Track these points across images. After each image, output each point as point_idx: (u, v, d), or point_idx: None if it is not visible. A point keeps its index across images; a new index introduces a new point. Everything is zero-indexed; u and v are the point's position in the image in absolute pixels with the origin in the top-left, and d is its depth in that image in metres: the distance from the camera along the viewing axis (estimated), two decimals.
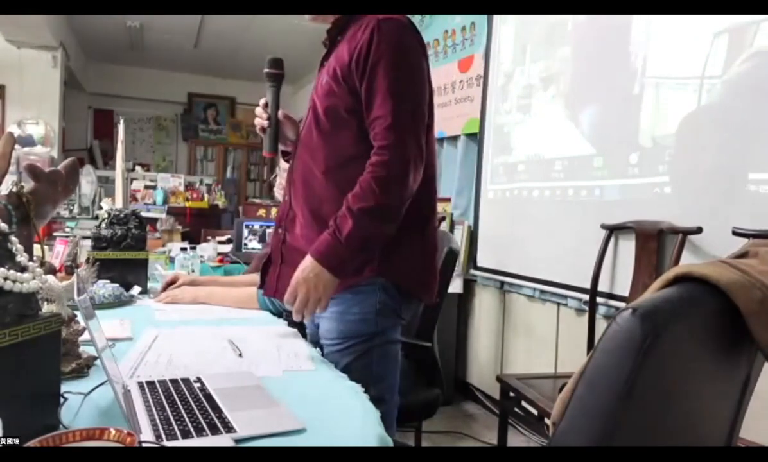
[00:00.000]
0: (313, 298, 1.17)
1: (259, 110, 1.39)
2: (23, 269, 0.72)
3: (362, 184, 1.15)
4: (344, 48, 1.23)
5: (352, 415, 0.90)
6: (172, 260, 2.54)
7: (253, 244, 3.51)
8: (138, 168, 6.14)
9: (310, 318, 1.37)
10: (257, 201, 6.43)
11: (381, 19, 1.18)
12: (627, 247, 2.19)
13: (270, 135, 1.39)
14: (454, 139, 3.65)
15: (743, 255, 0.71)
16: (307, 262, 1.17)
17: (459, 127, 3.54)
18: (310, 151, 1.28)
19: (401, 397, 1.35)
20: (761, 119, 1.77)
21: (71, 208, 4.00)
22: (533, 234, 2.79)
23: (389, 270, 1.24)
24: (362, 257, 1.19)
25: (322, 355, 1.27)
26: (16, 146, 1.22)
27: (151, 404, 0.86)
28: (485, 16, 3.30)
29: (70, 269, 1.93)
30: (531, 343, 2.88)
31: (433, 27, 3.85)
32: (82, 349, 1.04)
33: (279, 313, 1.69)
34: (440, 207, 3.37)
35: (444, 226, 3.29)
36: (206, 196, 5.80)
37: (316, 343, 1.36)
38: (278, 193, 3.36)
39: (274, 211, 4.38)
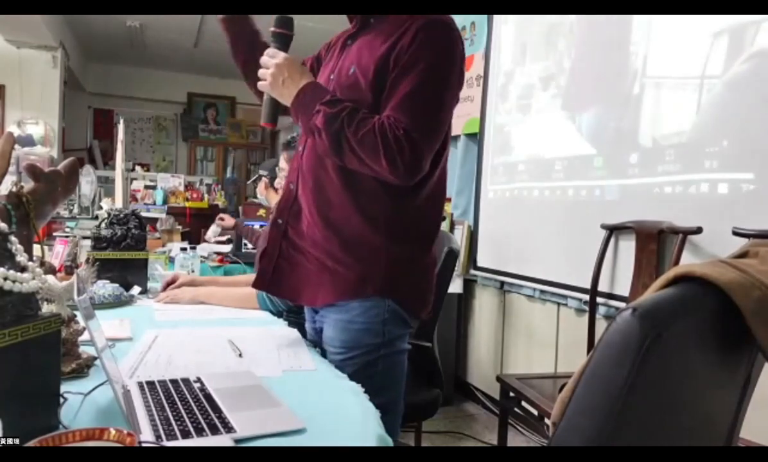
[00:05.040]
0: (274, 79, 1.16)
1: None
2: (23, 269, 0.72)
3: (372, 124, 1.08)
4: (379, 40, 1.14)
5: (352, 415, 0.90)
6: (171, 260, 2.54)
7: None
8: (138, 168, 6.14)
9: (312, 322, 1.35)
10: (257, 201, 6.43)
11: (428, 20, 1.11)
12: (627, 247, 2.19)
13: (269, 102, 1.23)
14: (455, 139, 3.64)
15: (743, 255, 0.71)
16: (297, 76, 1.15)
17: (459, 127, 3.54)
18: None
19: None
20: (761, 119, 1.77)
21: (71, 208, 4.00)
22: (533, 234, 2.79)
23: (395, 292, 1.19)
24: (308, 116, 1.12)
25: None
26: (16, 146, 1.22)
27: (151, 404, 0.86)
28: (485, 16, 3.30)
29: (69, 269, 1.93)
30: (531, 343, 2.88)
31: None
32: (82, 349, 1.04)
33: (279, 313, 1.69)
34: None
35: (444, 226, 3.29)
36: (206, 196, 5.80)
37: (315, 346, 1.34)
38: (261, 195, 3.37)
39: None
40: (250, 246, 3.40)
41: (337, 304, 1.20)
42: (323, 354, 1.27)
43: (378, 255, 1.17)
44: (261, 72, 1.19)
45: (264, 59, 1.18)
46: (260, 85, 1.20)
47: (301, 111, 1.14)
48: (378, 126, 1.07)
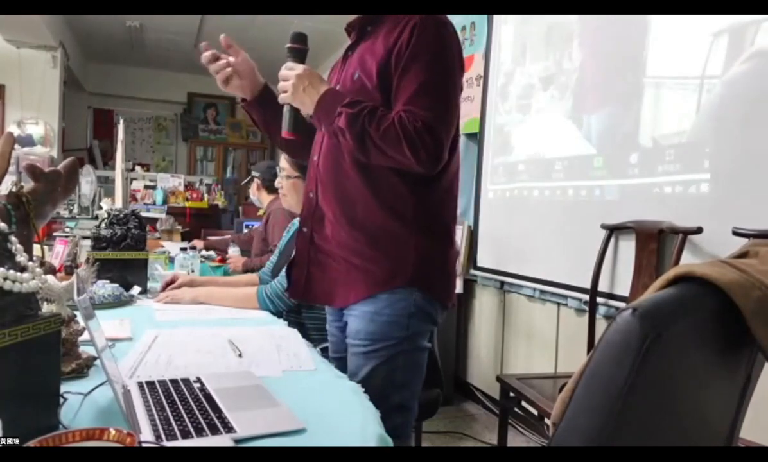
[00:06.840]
0: (295, 89, 1.20)
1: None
2: (23, 269, 0.72)
3: (392, 119, 1.13)
4: (380, 43, 1.21)
5: (352, 415, 0.90)
6: (171, 260, 2.54)
7: None
8: (138, 168, 6.14)
9: (338, 317, 1.36)
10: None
11: (421, 17, 1.18)
12: (627, 247, 2.19)
13: (290, 112, 1.27)
14: None
15: (743, 255, 0.71)
16: (316, 84, 1.20)
17: (459, 127, 3.54)
18: (339, 145, 1.22)
19: None
20: (761, 119, 1.77)
21: (71, 208, 4.00)
22: (533, 234, 2.79)
23: (424, 282, 1.22)
24: (331, 119, 1.16)
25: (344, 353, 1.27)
26: (16, 146, 1.22)
27: (151, 404, 0.86)
28: (485, 16, 3.30)
29: (69, 269, 1.93)
30: (531, 343, 2.88)
31: None
32: (82, 349, 1.04)
33: (279, 313, 1.69)
34: None
35: None
36: (206, 196, 5.81)
37: (336, 350, 1.36)
38: (254, 196, 3.39)
39: None
40: None
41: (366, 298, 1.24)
42: (342, 365, 1.27)
43: (406, 248, 1.21)
44: (281, 85, 1.23)
45: (283, 72, 1.23)
46: (282, 97, 1.23)
47: (323, 116, 1.19)
48: (397, 119, 1.13)
